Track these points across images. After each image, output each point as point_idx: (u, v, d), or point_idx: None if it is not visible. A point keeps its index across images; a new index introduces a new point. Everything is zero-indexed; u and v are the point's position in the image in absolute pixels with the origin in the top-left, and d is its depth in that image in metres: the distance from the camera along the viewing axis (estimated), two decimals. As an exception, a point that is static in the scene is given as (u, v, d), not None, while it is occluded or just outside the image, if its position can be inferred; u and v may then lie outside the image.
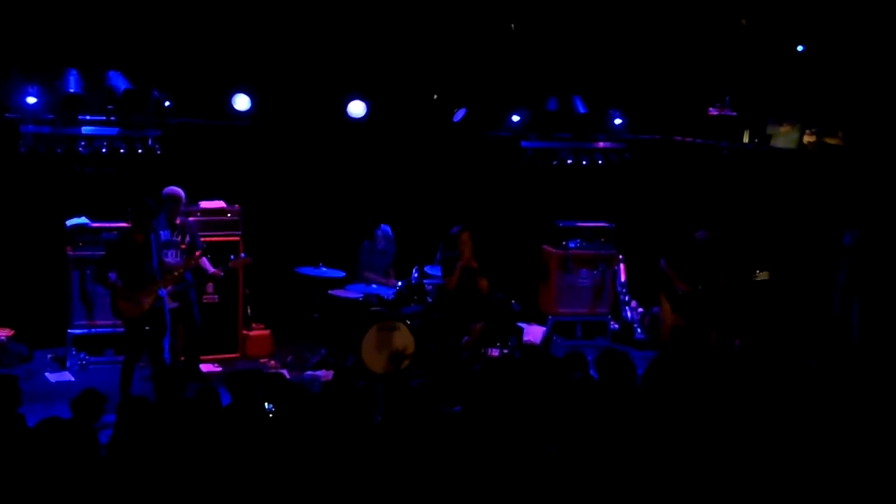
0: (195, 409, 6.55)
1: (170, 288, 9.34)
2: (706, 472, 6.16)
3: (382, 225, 11.12)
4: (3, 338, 10.36)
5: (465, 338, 9.44)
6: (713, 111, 11.98)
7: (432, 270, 10.89)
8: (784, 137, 11.74)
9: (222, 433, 6.25)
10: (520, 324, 11.27)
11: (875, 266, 10.15)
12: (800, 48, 11.70)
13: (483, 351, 10.46)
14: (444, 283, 10.21)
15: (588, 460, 6.16)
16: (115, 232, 10.46)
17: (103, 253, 9.38)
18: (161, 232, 9.92)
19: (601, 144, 12.38)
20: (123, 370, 9.09)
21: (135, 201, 9.10)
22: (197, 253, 9.64)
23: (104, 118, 10.53)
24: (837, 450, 6.48)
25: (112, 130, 10.56)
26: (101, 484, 5.57)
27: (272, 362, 10.87)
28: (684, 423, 6.70)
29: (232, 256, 10.28)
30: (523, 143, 12.18)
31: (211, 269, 9.92)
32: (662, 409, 6.82)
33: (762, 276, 10.12)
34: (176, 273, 9.40)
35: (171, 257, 9.84)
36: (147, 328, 9.08)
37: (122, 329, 10.50)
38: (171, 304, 9.32)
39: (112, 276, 8.94)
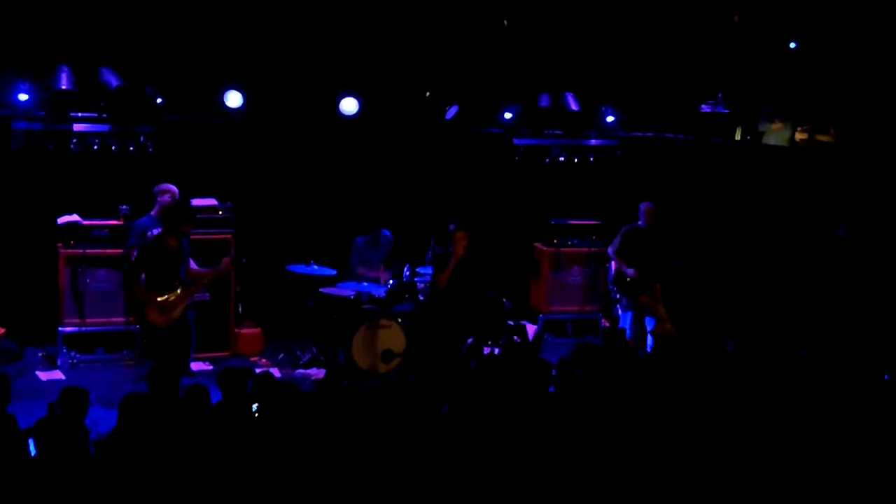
0: (185, 407, 6.57)
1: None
2: (697, 466, 6.17)
3: (383, 230, 11.12)
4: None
5: (471, 339, 9.45)
6: (705, 108, 11.99)
7: (424, 269, 10.89)
8: (776, 134, 11.76)
9: (212, 431, 6.26)
10: (511, 322, 11.25)
11: (863, 261, 10.18)
12: (792, 45, 11.72)
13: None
14: (435, 280, 10.19)
15: (582, 457, 6.18)
16: (107, 230, 10.44)
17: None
18: (154, 230, 9.90)
19: (593, 142, 12.36)
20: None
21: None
22: (226, 260, 9.40)
23: (96, 115, 10.49)
24: (831, 447, 6.50)
25: (104, 127, 10.49)
26: (93, 480, 5.59)
27: (263, 360, 10.87)
28: (679, 415, 6.72)
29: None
30: (515, 141, 12.16)
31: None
32: (657, 402, 6.85)
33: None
34: (206, 280, 9.28)
35: None
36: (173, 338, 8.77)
37: (115, 328, 10.59)
38: None
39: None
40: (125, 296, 10.32)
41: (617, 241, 10.91)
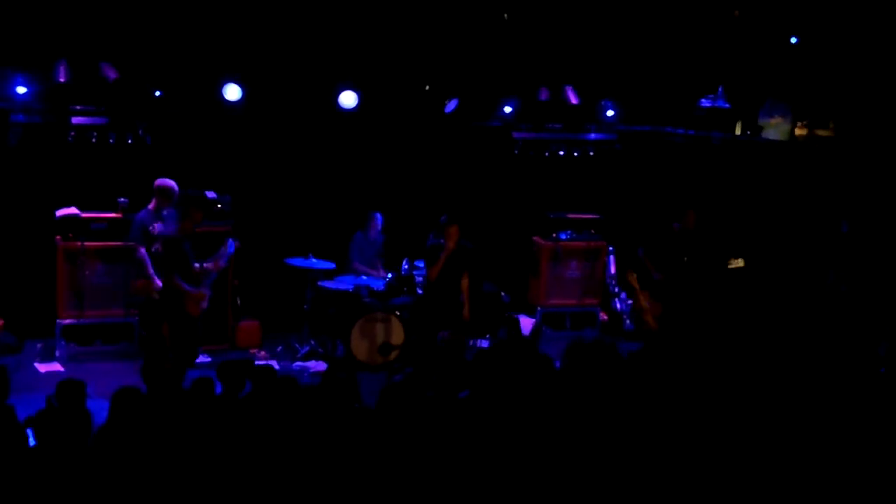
0: (191, 399, 6.58)
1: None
2: (690, 463, 6.17)
3: (376, 213, 11.13)
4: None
5: (444, 333, 9.43)
6: (705, 103, 11.98)
7: (422, 262, 10.89)
8: (775, 129, 11.75)
9: (217, 423, 6.26)
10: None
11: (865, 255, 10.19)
12: (793, 40, 11.71)
13: (470, 343, 10.48)
14: (427, 273, 10.18)
15: (573, 452, 6.17)
16: (105, 223, 10.42)
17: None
18: (156, 225, 9.88)
19: (592, 135, 12.36)
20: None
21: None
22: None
23: (94, 108, 10.49)
24: (826, 440, 6.50)
25: (102, 120, 10.50)
26: (90, 471, 5.59)
27: (262, 353, 10.87)
28: (670, 412, 6.71)
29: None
30: (515, 134, 12.16)
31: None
32: (647, 399, 6.84)
33: (736, 263, 10.18)
34: (214, 270, 9.47)
35: None
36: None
37: (114, 320, 10.57)
38: None
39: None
40: (133, 291, 10.28)
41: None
